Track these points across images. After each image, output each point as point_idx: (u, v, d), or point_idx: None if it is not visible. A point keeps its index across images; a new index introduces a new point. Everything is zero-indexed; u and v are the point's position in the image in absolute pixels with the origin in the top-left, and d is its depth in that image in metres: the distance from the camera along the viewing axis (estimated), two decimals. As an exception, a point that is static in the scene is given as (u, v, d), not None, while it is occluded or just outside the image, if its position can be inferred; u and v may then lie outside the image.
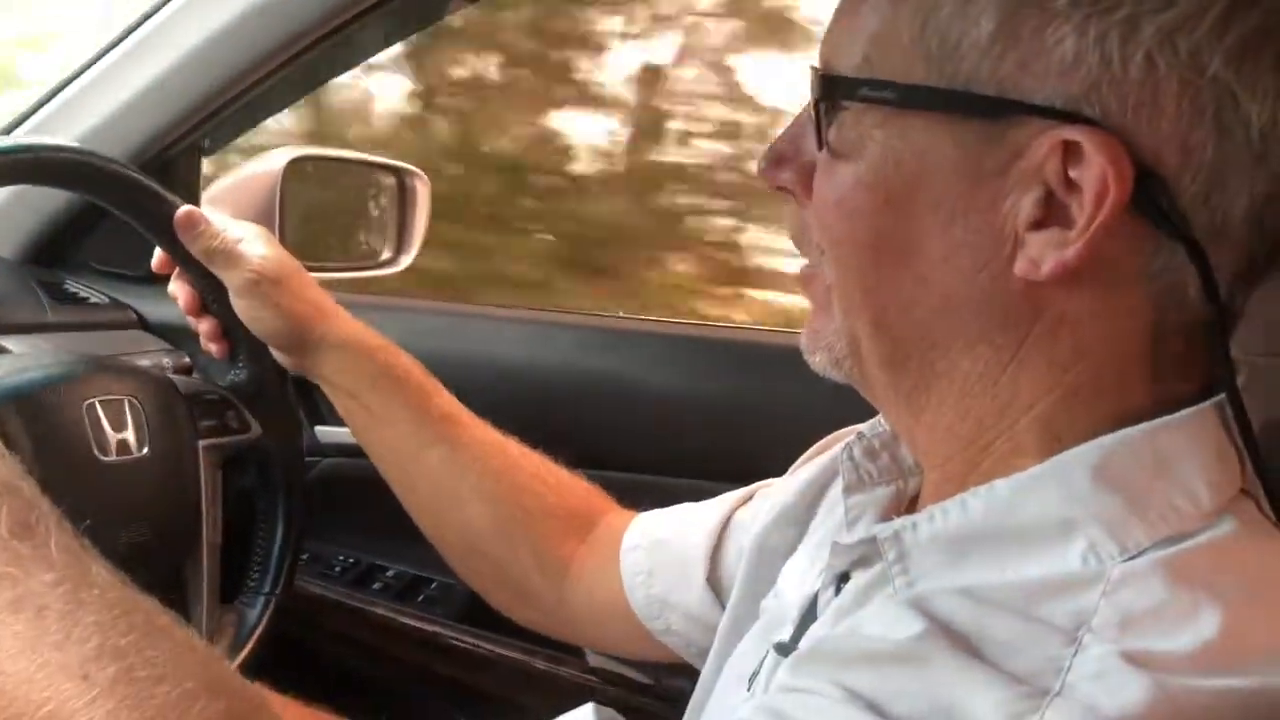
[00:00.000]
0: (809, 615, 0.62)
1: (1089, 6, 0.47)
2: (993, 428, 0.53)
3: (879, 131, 0.52)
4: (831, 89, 0.53)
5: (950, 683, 0.43)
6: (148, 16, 1.12)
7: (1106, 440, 0.50)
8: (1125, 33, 0.46)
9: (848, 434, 0.68)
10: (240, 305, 0.90)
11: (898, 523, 0.53)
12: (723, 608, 0.78)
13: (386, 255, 1.34)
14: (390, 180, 1.35)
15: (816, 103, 0.54)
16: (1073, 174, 0.48)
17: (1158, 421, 0.50)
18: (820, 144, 0.55)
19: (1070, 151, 0.48)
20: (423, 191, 1.35)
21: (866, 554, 0.56)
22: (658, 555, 0.85)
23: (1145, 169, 0.47)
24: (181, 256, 0.89)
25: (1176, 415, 0.50)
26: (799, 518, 0.73)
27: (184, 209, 0.88)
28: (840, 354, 0.57)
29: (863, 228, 0.53)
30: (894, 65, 0.51)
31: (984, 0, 0.49)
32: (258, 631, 0.92)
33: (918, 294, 0.53)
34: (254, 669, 0.89)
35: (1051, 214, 0.49)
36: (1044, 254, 0.49)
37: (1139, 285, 0.49)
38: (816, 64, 0.55)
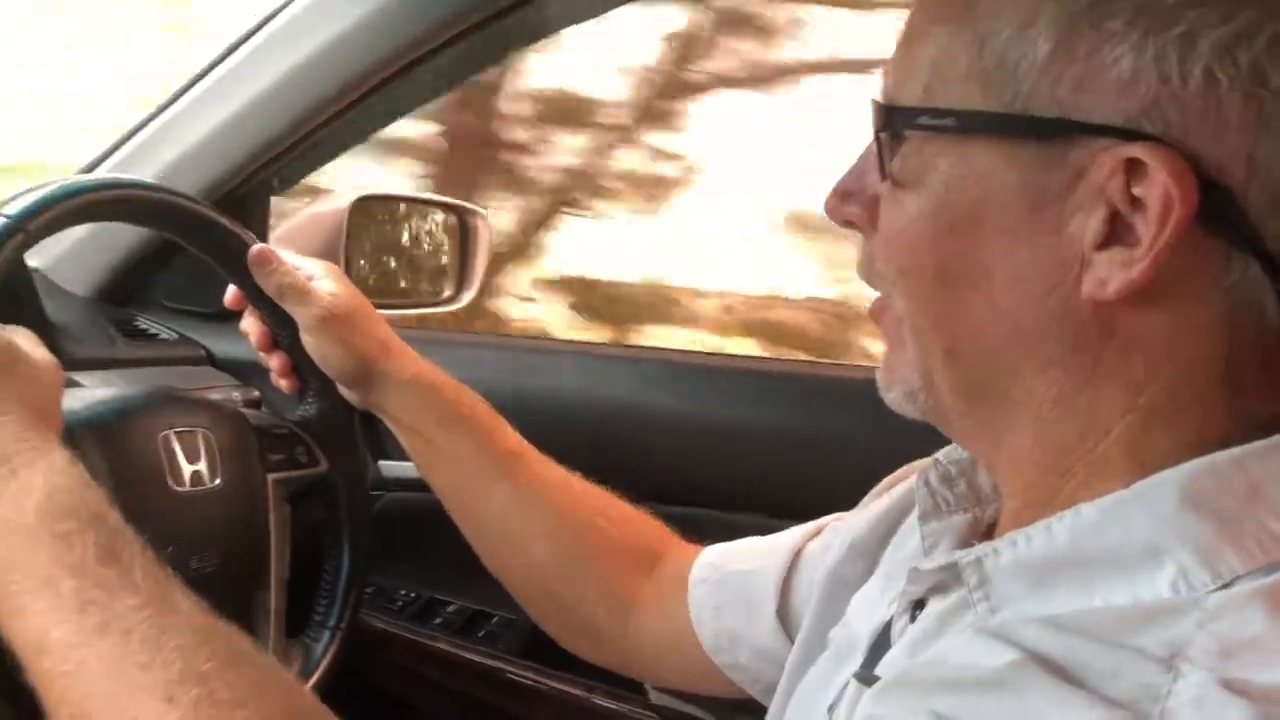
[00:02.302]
0: (881, 643, 0.61)
1: (1145, 24, 0.47)
2: (1072, 452, 0.52)
3: (941, 159, 0.52)
4: (893, 119, 0.54)
5: (1047, 708, 0.43)
6: (221, 59, 1.16)
7: (1193, 465, 0.49)
8: (1183, 48, 0.46)
9: (920, 467, 0.67)
10: (310, 342, 0.92)
11: (980, 549, 0.52)
12: (792, 642, 0.77)
13: (448, 292, 1.36)
14: (452, 219, 1.38)
15: (878, 134, 0.55)
16: (1137, 191, 0.47)
17: (1248, 447, 0.48)
18: (883, 175, 0.55)
19: (1133, 169, 0.47)
20: (483, 229, 1.37)
21: (945, 580, 0.55)
22: (726, 589, 0.84)
23: (1211, 183, 0.47)
24: (254, 293, 0.91)
25: (1269, 440, 0.49)
26: (870, 550, 0.73)
27: (258, 246, 0.90)
28: (915, 386, 0.57)
29: (929, 256, 0.53)
30: (953, 92, 0.51)
31: (1040, 23, 0.49)
32: (323, 665, 0.93)
33: (988, 320, 0.52)
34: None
35: (1117, 233, 0.48)
36: (1111, 273, 0.48)
37: (1212, 302, 0.49)
38: (879, 97, 0.56)
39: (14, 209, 0.73)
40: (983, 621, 0.51)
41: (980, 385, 0.54)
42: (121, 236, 1.20)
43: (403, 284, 1.38)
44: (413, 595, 1.25)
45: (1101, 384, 0.51)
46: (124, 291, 1.24)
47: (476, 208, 1.38)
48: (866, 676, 0.60)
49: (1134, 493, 0.49)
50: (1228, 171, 0.47)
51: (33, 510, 0.61)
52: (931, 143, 0.52)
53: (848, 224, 0.59)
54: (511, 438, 0.94)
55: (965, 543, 0.61)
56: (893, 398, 0.59)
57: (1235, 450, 0.48)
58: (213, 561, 0.85)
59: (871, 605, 0.67)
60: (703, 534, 0.92)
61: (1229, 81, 0.46)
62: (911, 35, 0.54)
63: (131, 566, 0.60)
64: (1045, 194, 0.49)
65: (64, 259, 1.21)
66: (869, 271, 0.59)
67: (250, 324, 0.96)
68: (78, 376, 1.03)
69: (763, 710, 0.75)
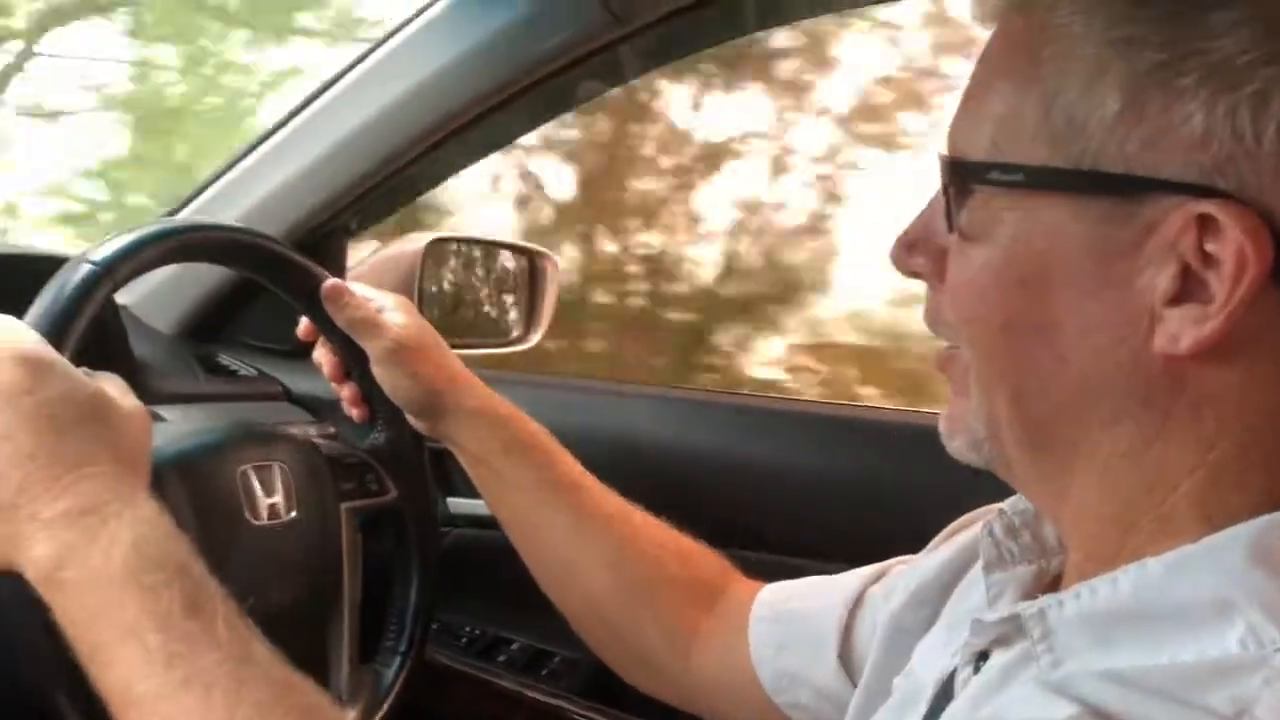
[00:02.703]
0: (945, 694, 0.60)
1: (1217, 82, 0.47)
2: (1139, 506, 0.52)
3: (1009, 214, 0.53)
4: (961, 174, 0.54)
5: None
6: (304, 106, 1.20)
7: (1263, 520, 0.48)
8: (1256, 106, 0.46)
9: (986, 513, 0.67)
10: (380, 372, 0.94)
11: (1043, 600, 0.52)
12: (853, 684, 0.77)
13: (517, 333, 1.39)
14: (522, 261, 1.40)
15: (946, 188, 0.55)
16: (1209, 248, 0.47)
17: None
18: (950, 228, 0.55)
19: (1205, 226, 0.47)
20: (551, 272, 1.40)
21: (1008, 633, 0.55)
22: (788, 628, 0.84)
23: None
24: (326, 325, 0.94)
25: None
26: (934, 598, 0.72)
27: (330, 281, 0.93)
28: (979, 436, 0.57)
29: (996, 308, 0.54)
30: (1021, 148, 0.52)
31: (1109, 81, 0.49)
32: (394, 690, 0.94)
33: (1055, 372, 0.53)
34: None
35: (1189, 289, 0.48)
36: (1183, 329, 0.48)
37: None
38: (944, 151, 0.56)
39: (100, 255, 0.75)
40: (1045, 674, 0.50)
41: (1046, 437, 0.54)
42: (205, 276, 1.25)
43: (474, 324, 1.41)
44: (477, 632, 1.26)
45: (1171, 439, 0.51)
46: (207, 329, 1.28)
47: (545, 250, 1.41)
48: None
49: (1202, 548, 0.49)
50: None
51: (120, 561, 0.62)
52: (999, 197, 0.53)
53: (914, 275, 0.59)
54: (574, 468, 0.95)
55: (1030, 595, 0.60)
56: (956, 446, 0.59)
57: None
58: (290, 592, 0.87)
59: (936, 655, 0.66)
60: (767, 578, 0.91)
61: None
62: (976, 89, 0.55)
63: (214, 619, 0.61)
64: (1114, 249, 0.50)
65: (150, 297, 1.26)
66: (936, 321, 0.59)
67: (322, 355, 0.98)
68: (161, 411, 1.07)
69: None
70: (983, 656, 0.58)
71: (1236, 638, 0.46)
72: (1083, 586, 0.51)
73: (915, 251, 0.59)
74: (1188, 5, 0.48)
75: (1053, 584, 0.61)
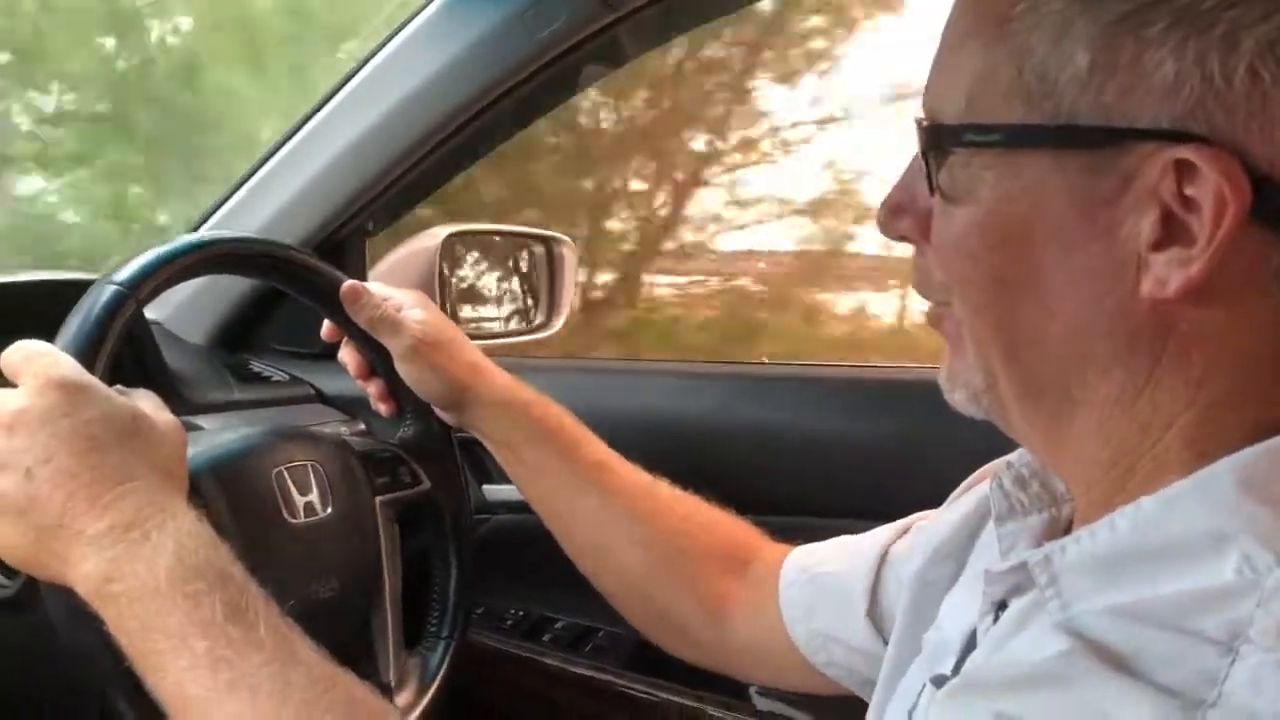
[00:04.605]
0: (970, 646, 0.62)
1: (1185, 28, 0.47)
2: (1135, 449, 0.53)
3: (989, 173, 0.53)
4: (939, 137, 0.55)
5: (1099, 698, 0.44)
6: (313, 113, 1.22)
7: (1249, 451, 0.49)
8: (1225, 49, 0.47)
9: (1003, 464, 0.68)
10: (403, 369, 0.96)
11: (1048, 547, 0.54)
12: (884, 640, 0.78)
13: (540, 320, 1.40)
14: (540, 249, 1.42)
15: (925, 152, 0.56)
16: (1189, 192, 0.48)
17: None
18: (932, 190, 0.56)
19: (1183, 170, 0.48)
20: (570, 258, 1.41)
21: (1020, 581, 0.56)
22: (816, 590, 0.86)
23: (1262, 178, 0.47)
24: (348, 326, 0.96)
25: None
26: (956, 552, 0.74)
27: (348, 283, 0.95)
28: (978, 389, 0.58)
29: (985, 266, 0.55)
30: (996, 108, 0.52)
31: (1076, 35, 0.50)
32: (440, 674, 0.96)
33: (1046, 325, 0.54)
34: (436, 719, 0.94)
35: (1172, 233, 0.49)
36: (1169, 273, 0.49)
37: (1268, 294, 0.49)
38: (921, 116, 0.57)
39: (122, 275, 0.78)
40: (1054, 618, 0.52)
41: (1041, 387, 0.55)
42: (231, 287, 1.27)
43: (496, 314, 1.43)
44: (521, 614, 1.28)
45: (1162, 381, 0.52)
46: (236, 338, 1.31)
47: (563, 237, 1.42)
48: (941, 679, 0.61)
49: (1192, 482, 0.50)
50: (1277, 166, 0.47)
51: (164, 572, 0.64)
52: (978, 157, 0.54)
53: (901, 238, 0.60)
54: (598, 449, 0.97)
55: (1042, 542, 0.61)
56: (956, 398, 0.60)
57: None
58: (332, 586, 0.89)
59: (962, 608, 0.67)
60: (792, 541, 0.93)
61: (1272, 78, 0.47)
62: (947, 52, 0.56)
63: (257, 622, 0.64)
64: (1095, 200, 0.50)
65: (181, 311, 1.29)
66: (925, 281, 0.60)
67: (347, 354, 1.00)
68: (198, 420, 1.10)
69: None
70: (1002, 606, 0.59)
71: (1232, 567, 0.46)
72: (1083, 531, 0.52)
73: (901, 215, 0.60)
74: None
75: (1066, 530, 0.62)
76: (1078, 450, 0.56)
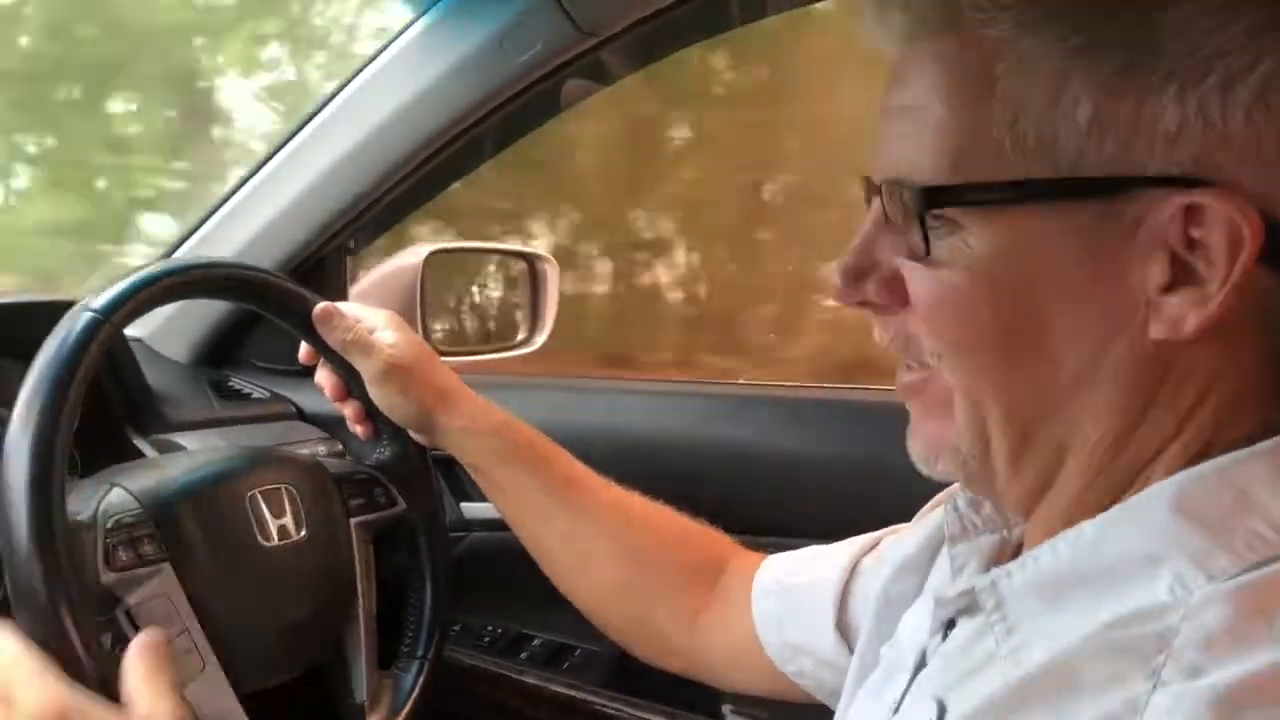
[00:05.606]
0: (923, 663, 0.63)
1: (1183, 77, 0.48)
2: (1118, 487, 0.54)
3: (985, 231, 0.53)
4: (924, 199, 0.53)
5: None
6: (290, 137, 1.23)
7: (1182, 476, 0.51)
8: (1223, 96, 0.48)
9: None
10: (374, 392, 0.96)
11: (995, 572, 0.55)
12: (851, 652, 0.79)
13: (522, 336, 1.41)
14: (522, 266, 1.43)
15: (900, 214, 0.55)
16: (1195, 234, 0.49)
17: (1235, 454, 0.50)
18: (917, 252, 0.55)
19: (1190, 214, 0.49)
20: (552, 274, 1.42)
21: (969, 605, 0.57)
22: (787, 602, 0.87)
23: (1270, 220, 0.49)
24: (323, 348, 0.96)
25: (1256, 446, 0.50)
26: (920, 567, 0.74)
27: (320, 305, 0.95)
28: (967, 454, 0.57)
29: (986, 325, 0.54)
30: (987, 165, 0.52)
31: (1076, 89, 0.50)
32: (414, 695, 0.97)
33: (1051, 374, 0.53)
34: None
35: (1179, 276, 0.50)
36: (1184, 313, 0.50)
37: (1261, 330, 0.51)
38: (884, 177, 0.56)
39: (99, 302, 0.79)
40: (1001, 643, 0.53)
41: (1035, 444, 0.55)
42: (210, 306, 1.28)
43: (479, 331, 1.44)
44: (499, 631, 1.29)
45: (1150, 418, 0.53)
46: (217, 355, 1.31)
47: (545, 254, 1.42)
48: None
49: (1127, 506, 0.51)
50: (1277, 207, 0.49)
51: None
52: (970, 216, 0.53)
53: (863, 304, 0.59)
54: (569, 466, 0.98)
55: (992, 564, 0.62)
56: (940, 469, 0.59)
57: (1220, 459, 0.51)
58: (307, 607, 0.90)
59: (918, 625, 0.68)
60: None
61: (1266, 123, 0.48)
62: (907, 116, 0.55)
63: None
64: (1102, 249, 0.51)
65: (163, 329, 1.29)
66: (905, 346, 0.58)
67: (324, 376, 1.01)
68: (179, 438, 1.11)
69: None
70: (950, 624, 0.60)
71: (1166, 586, 0.48)
72: (1028, 555, 0.54)
73: (862, 280, 0.58)
74: (1146, 5, 0.49)
75: (1015, 552, 0.63)
76: (1056, 497, 0.56)
